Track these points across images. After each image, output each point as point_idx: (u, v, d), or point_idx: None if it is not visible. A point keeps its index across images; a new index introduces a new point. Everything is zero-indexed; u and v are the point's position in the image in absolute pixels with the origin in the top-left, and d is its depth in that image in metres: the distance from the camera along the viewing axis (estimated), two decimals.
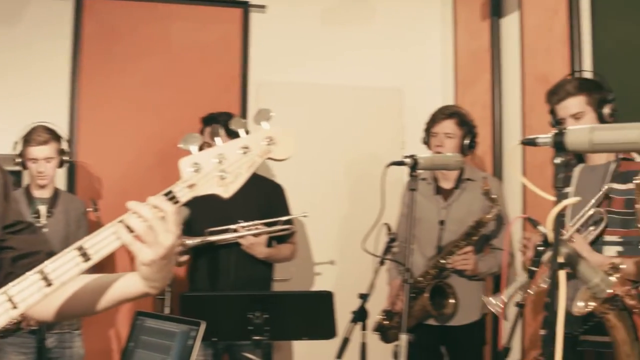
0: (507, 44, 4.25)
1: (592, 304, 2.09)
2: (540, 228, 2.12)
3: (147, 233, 1.32)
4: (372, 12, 4.88)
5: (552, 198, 1.63)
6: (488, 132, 4.24)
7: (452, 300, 3.48)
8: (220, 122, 3.52)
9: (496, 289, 3.84)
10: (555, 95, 2.79)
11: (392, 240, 3.24)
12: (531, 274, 2.00)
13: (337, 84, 4.75)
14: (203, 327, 2.08)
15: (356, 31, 4.83)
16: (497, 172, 4.19)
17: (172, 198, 1.35)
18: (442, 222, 3.60)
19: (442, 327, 3.58)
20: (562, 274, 1.59)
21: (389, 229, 3.23)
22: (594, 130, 1.57)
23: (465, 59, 4.72)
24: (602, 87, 2.77)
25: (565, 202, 1.60)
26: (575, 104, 2.73)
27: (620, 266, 2.08)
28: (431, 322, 3.58)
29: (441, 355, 3.68)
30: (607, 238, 2.63)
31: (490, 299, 2.85)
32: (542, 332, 2.82)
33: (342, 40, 4.79)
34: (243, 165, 1.41)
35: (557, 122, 2.82)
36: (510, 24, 4.23)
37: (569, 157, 1.60)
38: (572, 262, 1.97)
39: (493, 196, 3.38)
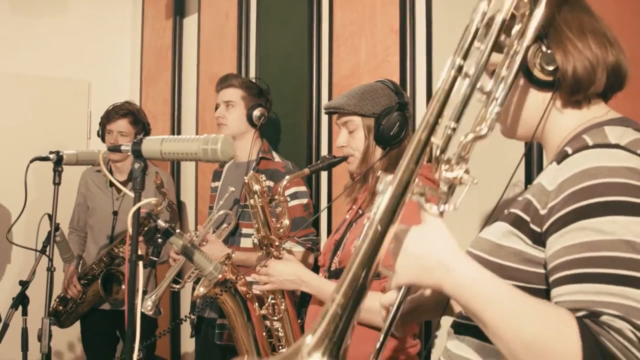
0: (188, 43, 4.47)
1: (208, 288, 2.41)
2: (160, 222, 2.37)
3: None
4: (63, 3, 4.88)
5: (131, 194, 1.86)
6: (168, 127, 4.47)
7: (123, 287, 3.69)
8: None
9: None
10: (220, 84, 3.24)
11: (55, 229, 3.34)
12: (152, 264, 2.23)
13: (24, 74, 4.69)
14: None
15: (47, 21, 4.80)
16: (173, 165, 4.45)
17: None
18: (115, 213, 3.77)
19: (116, 311, 3.76)
20: (140, 265, 1.85)
21: (50, 218, 3.32)
22: (164, 142, 1.85)
23: (151, 55, 4.88)
24: (263, 95, 3.24)
25: (141, 203, 1.86)
26: (232, 93, 3.18)
27: (232, 256, 2.43)
28: (105, 306, 3.77)
29: (117, 339, 3.89)
30: (245, 231, 3.03)
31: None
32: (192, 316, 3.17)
33: (31, 30, 4.74)
34: None
35: (216, 108, 3.23)
36: (191, 24, 4.44)
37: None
38: (188, 253, 2.27)
39: (163, 190, 3.61)
